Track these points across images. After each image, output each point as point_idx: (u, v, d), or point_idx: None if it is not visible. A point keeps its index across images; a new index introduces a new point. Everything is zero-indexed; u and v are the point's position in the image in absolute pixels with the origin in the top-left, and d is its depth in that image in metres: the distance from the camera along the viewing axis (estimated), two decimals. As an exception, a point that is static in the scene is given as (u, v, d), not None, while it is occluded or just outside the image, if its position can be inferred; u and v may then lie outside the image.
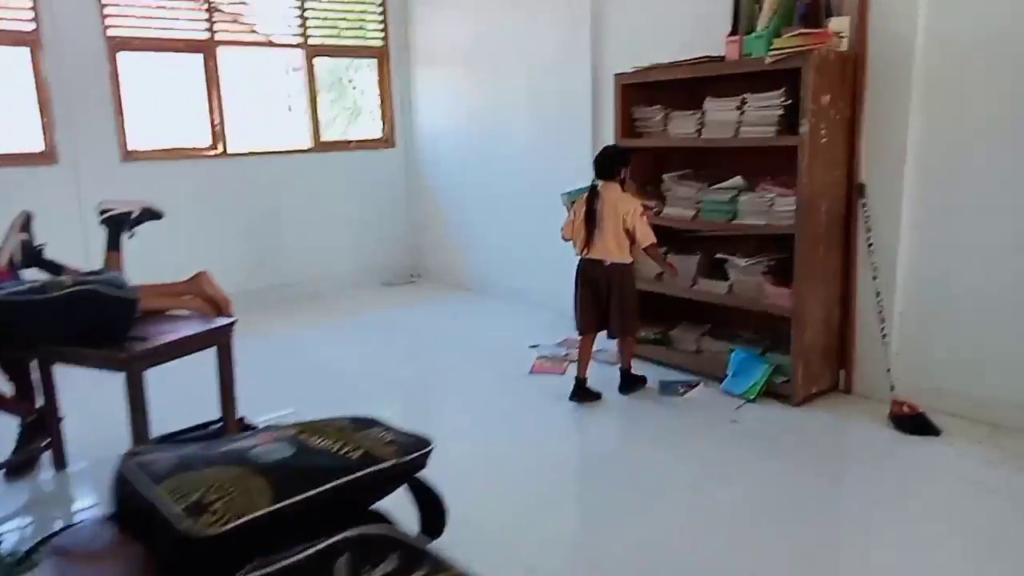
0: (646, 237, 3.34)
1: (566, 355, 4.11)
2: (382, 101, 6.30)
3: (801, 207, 3.15)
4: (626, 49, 4.24)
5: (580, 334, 3.53)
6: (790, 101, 3.20)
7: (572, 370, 3.64)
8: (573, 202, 3.53)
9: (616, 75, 3.90)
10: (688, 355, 3.85)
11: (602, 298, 3.44)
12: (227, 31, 5.39)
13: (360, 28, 6.07)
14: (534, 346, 4.33)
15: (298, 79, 5.85)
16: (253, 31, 5.68)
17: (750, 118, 3.35)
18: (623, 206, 3.35)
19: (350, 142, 6.17)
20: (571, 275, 3.51)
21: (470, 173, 5.80)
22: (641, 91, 3.89)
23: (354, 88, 6.67)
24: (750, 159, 3.68)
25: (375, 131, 6.33)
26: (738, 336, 3.77)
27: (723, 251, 3.64)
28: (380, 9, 6.09)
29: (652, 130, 3.86)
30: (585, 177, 3.60)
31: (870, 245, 3.24)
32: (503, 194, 5.46)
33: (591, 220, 3.40)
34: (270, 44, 5.75)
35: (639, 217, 3.36)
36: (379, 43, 6.17)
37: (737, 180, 3.54)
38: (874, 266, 3.23)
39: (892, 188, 3.18)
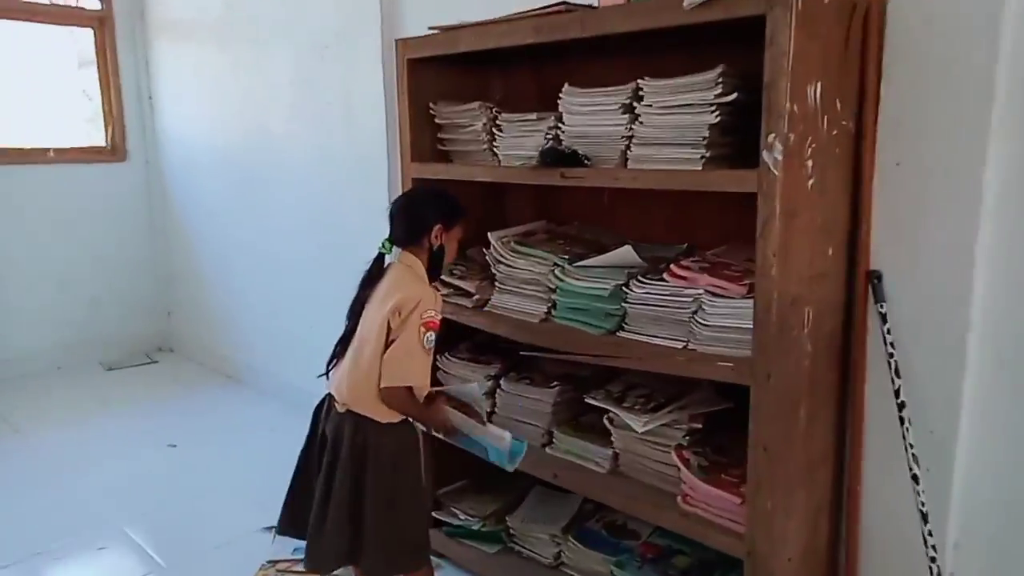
0: (396, 370, 1.62)
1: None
2: (103, 91, 4.18)
3: (761, 323, 1.42)
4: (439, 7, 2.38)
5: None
6: (736, 96, 1.48)
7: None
8: None
9: (399, 43, 2.06)
10: (540, 570, 2.06)
11: (341, 488, 1.64)
12: None
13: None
14: (269, 528, 2.40)
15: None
16: None
17: (650, 129, 1.60)
18: (398, 297, 1.59)
19: (48, 151, 4.01)
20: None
21: (233, 205, 3.80)
22: (447, 75, 2.08)
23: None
24: (659, 209, 1.96)
25: (96, 137, 4.21)
26: (631, 534, 2.01)
27: (601, 390, 1.87)
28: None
29: (468, 148, 2.06)
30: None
31: (900, 406, 1.55)
32: (277, 245, 3.50)
33: (352, 318, 1.72)
34: None
35: (413, 326, 1.60)
36: (96, 3, 4.08)
37: (625, 252, 1.79)
38: (910, 452, 1.54)
39: (945, 285, 1.52)
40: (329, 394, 1.74)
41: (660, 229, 1.98)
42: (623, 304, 1.71)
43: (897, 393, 1.55)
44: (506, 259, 1.95)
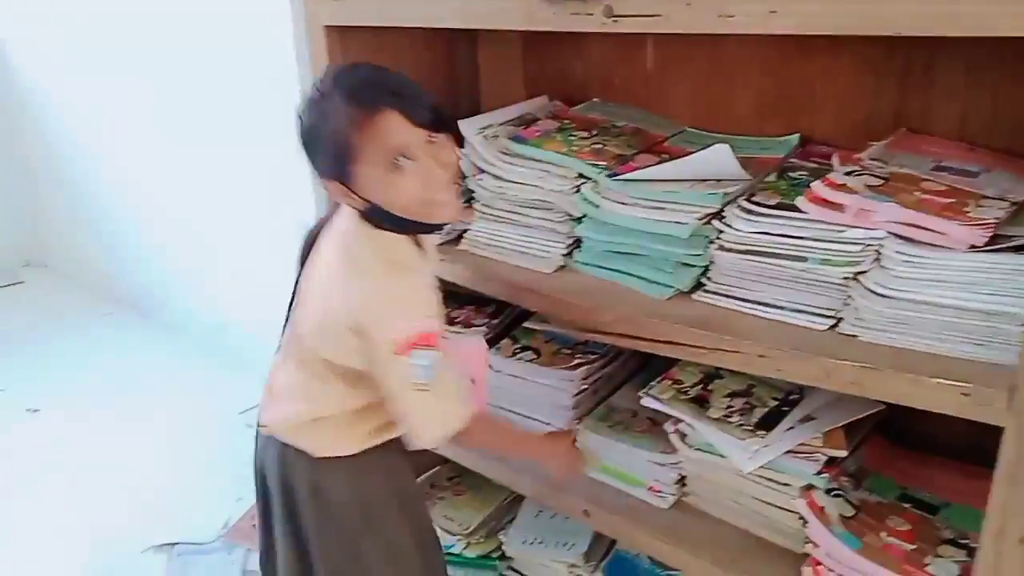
0: (425, 430, 0.96)
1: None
2: None
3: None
4: None
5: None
6: None
7: None
8: None
9: None
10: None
11: (283, 547, 1.05)
12: None
13: None
14: (168, 546, 1.71)
15: None
16: None
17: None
18: (340, 306, 0.92)
19: None
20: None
21: (99, 81, 2.79)
22: None
23: None
24: (744, 72, 1.22)
25: None
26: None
27: (661, 379, 1.16)
28: None
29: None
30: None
31: None
32: (186, 142, 2.55)
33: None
34: None
35: (385, 356, 0.90)
36: None
37: (718, 155, 1.02)
38: None
39: None
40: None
41: (745, 108, 1.22)
42: (710, 248, 0.98)
43: None
44: (494, 166, 1.17)
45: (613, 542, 1.40)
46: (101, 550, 1.72)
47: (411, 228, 0.95)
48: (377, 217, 0.91)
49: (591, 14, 0.91)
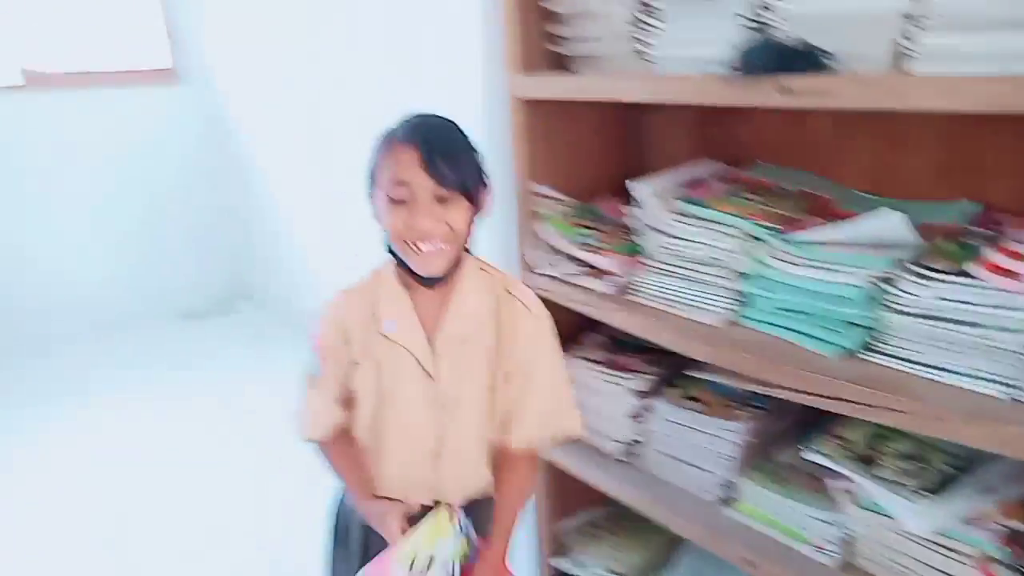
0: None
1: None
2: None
3: None
4: None
5: None
6: None
7: None
8: None
9: None
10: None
11: None
12: None
13: None
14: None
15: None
16: None
17: (958, 3, 0.85)
18: (527, 327, 1.09)
19: (97, 74, 3.53)
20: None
21: (303, 130, 3.21)
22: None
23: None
24: (917, 140, 1.23)
25: (149, 55, 3.68)
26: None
27: (827, 436, 1.18)
28: None
29: (601, 51, 1.33)
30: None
31: None
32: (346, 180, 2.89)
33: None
34: None
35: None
36: None
37: (890, 223, 1.05)
38: None
39: None
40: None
41: (918, 174, 1.23)
42: (879, 311, 1.01)
43: None
44: (664, 224, 1.26)
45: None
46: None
47: (402, 263, 1.03)
48: (385, 240, 1.03)
49: (769, 89, 0.98)
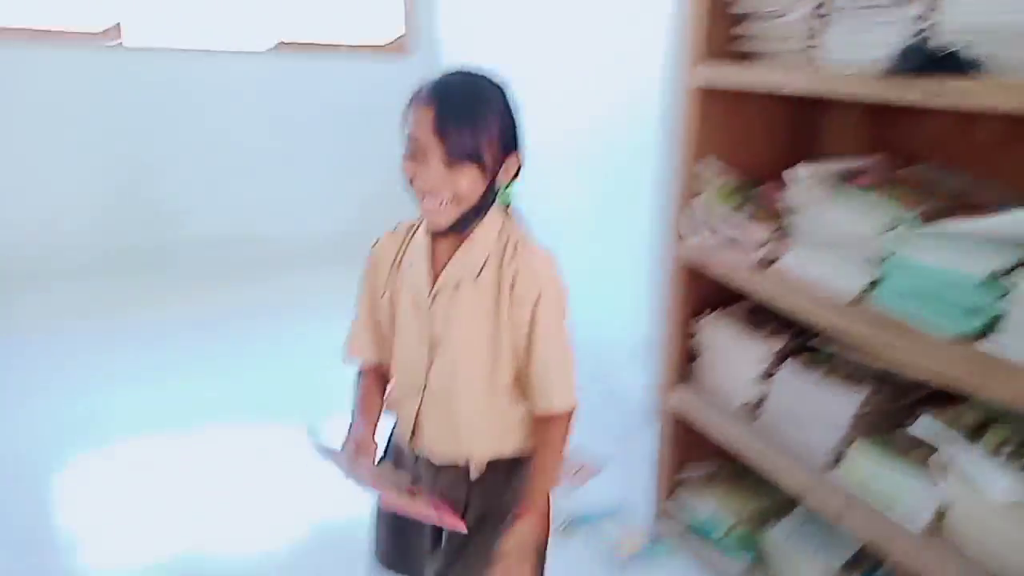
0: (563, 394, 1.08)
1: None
2: (394, -17, 4.11)
3: None
4: None
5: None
6: None
7: None
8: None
9: None
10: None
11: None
12: None
13: None
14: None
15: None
16: None
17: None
18: (524, 288, 1.03)
19: (339, 45, 4.09)
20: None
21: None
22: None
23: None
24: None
25: (382, 29, 4.19)
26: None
27: (940, 410, 1.28)
28: None
29: (778, 47, 1.49)
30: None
31: None
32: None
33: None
34: None
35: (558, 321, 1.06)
36: None
37: (1019, 220, 1.14)
38: None
39: None
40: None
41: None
42: (1000, 301, 1.10)
43: None
44: (817, 203, 1.40)
45: (873, 566, 1.51)
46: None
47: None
48: None
49: (911, 88, 1.11)
